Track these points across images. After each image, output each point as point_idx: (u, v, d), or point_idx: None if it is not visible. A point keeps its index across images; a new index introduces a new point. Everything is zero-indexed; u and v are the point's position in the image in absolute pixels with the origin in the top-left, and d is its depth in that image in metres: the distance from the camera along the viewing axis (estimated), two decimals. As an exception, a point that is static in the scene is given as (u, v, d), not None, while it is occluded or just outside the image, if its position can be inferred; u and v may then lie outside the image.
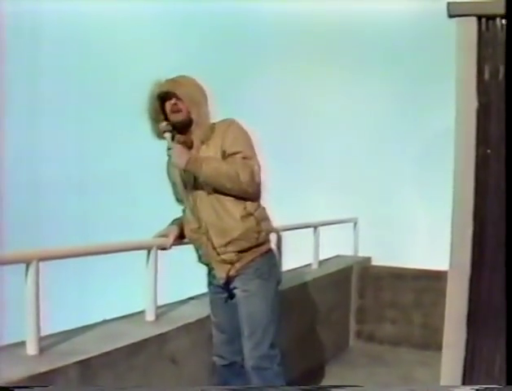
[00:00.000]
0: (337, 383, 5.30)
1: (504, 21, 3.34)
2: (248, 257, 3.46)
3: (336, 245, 7.20)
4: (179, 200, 3.70)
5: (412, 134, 8.56)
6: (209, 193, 3.44)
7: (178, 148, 3.42)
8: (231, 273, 3.46)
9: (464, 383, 3.62)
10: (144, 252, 3.75)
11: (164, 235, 3.73)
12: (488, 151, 3.45)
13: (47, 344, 3.16)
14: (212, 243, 3.46)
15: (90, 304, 7.58)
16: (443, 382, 3.67)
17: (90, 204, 9.57)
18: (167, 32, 9.49)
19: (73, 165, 9.74)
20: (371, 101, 8.91)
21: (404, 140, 8.59)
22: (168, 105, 3.45)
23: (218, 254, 3.45)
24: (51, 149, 9.69)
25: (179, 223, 3.73)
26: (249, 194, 3.44)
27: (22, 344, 3.06)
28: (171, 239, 3.71)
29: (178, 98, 3.42)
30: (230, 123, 3.52)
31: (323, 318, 5.90)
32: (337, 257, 7.20)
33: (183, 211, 3.71)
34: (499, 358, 3.57)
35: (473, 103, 3.42)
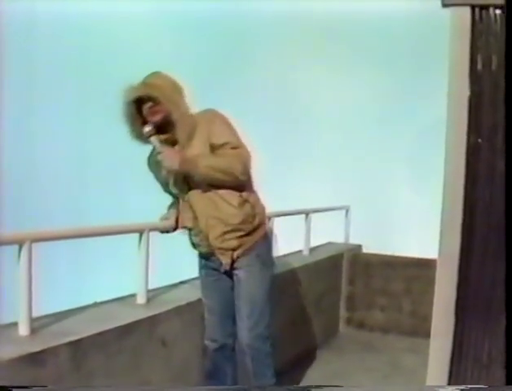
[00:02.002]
0: (324, 369, 5.35)
1: (498, 11, 3.36)
2: (248, 242, 3.53)
3: (327, 232, 7.23)
4: (167, 192, 3.76)
5: (406, 123, 8.58)
6: (203, 187, 3.48)
7: (168, 151, 3.44)
8: (234, 257, 3.53)
9: (451, 369, 3.65)
10: (136, 235, 3.77)
11: (167, 219, 3.75)
12: (479, 140, 3.47)
13: (39, 325, 3.18)
14: (212, 233, 3.50)
15: (82, 286, 7.60)
16: (430, 369, 3.71)
17: (86, 190, 9.58)
18: (162, 29, 9.48)
19: (70, 153, 9.74)
20: (365, 89, 8.91)
21: (397, 128, 8.60)
22: (145, 109, 3.43)
23: (221, 242, 3.50)
24: (48, 139, 9.69)
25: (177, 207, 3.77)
26: (243, 182, 3.50)
27: (14, 324, 3.08)
28: (174, 221, 3.73)
29: (154, 101, 3.41)
30: (212, 115, 3.55)
31: (313, 304, 5.93)
32: (329, 244, 7.23)
33: (173, 201, 3.77)
34: (487, 345, 3.61)
35: (465, 92, 3.44)
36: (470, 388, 2.97)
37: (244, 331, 3.58)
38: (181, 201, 3.63)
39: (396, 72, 8.53)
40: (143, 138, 3.47)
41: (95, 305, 3.77)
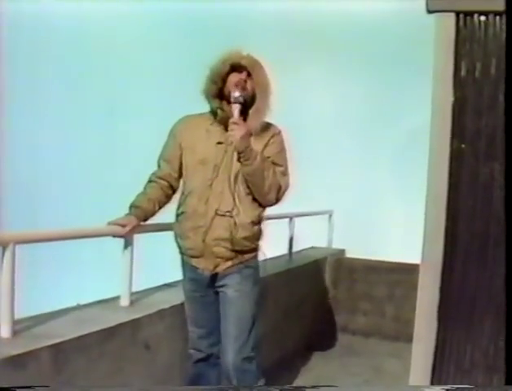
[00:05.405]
0: (308, 373, 5.36)
1: (482, 18, 3.38)
2: (241, 258, 3.42)
3: (310, 237, 7.23)
4: (163, 168, 3.57)
5: (390, 128, 8.60)
6: (235, 182, 3.35)
7: (244, 127, 3.25)
8: (219, 269, 3.40)
9: (434, 374, 3.67)
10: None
11: (121, 224, 3.51)
12: (463, 145, 3.50)
13: (21, 327, 3.15)
14: (212, 233, 3.34)
15: (64, 288, 7.55)
16: (413, 373, 3.72)
17: (74, 192, 9.53)
18: (164, 32, 9.46)
19: (58, 154, 9.70)
20: (350, 95, 8.93)
21: (381, 134, 8.62)
22: (235, 77, 3.34)
23: (214, 246, 3.35)
24: (35, 140, 9.66)
25: (139, 213, 3.55)
26: (270, 205, 3.49)
27: (-4, 326, 3.06)
28: (127, 228, 3.50)
29: (249, 78, 3.35)
30: (279, 131, 3.52)
31: (296, 309, 5.93)
32: (312, 248, 7.24)
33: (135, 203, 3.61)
34: (469, 350, 3.63)
35: (449, 98, 3.47)
36: (456, 388, 2.97)
37: (231, 353, 3.43)
38: (191, 195, 3.40)
39: (380, 78, 8.55)
40: (214, 100, 3.37)
41: (78, 307, 3.75)
